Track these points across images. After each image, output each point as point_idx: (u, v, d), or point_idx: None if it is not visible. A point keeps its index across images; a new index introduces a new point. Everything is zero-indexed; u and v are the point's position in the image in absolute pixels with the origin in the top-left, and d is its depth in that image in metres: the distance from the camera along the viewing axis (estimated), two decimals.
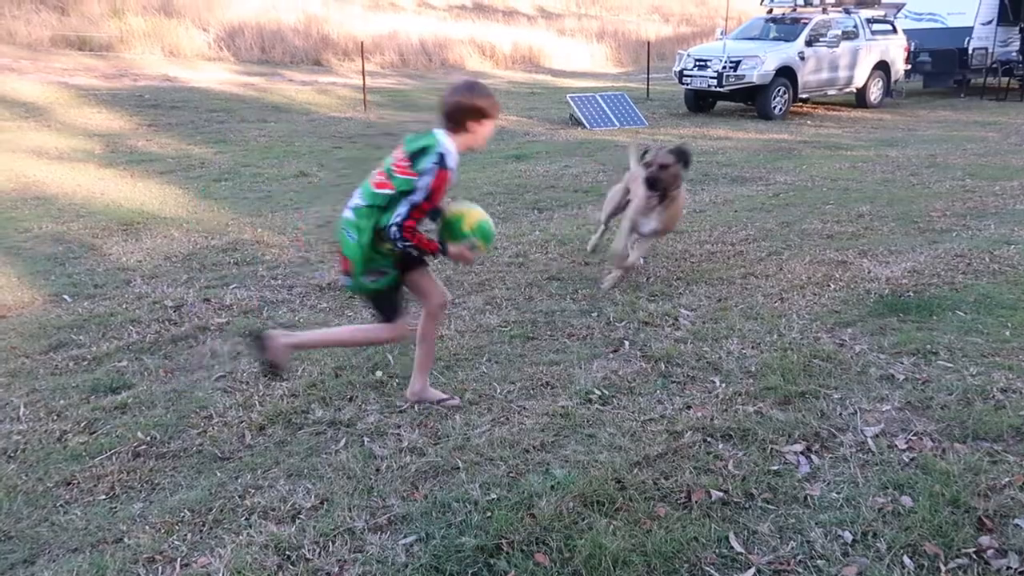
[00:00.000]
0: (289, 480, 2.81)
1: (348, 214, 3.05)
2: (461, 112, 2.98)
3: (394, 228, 2.87)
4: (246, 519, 2.59)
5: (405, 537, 2.47)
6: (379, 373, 3.66)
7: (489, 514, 2.56)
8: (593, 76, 22.18)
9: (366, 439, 3.08)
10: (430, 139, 2.95)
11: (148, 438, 3.12)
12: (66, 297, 4.80)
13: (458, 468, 2.84)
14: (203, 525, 2.56)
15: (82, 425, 3.24)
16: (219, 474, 2.86)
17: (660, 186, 4.65)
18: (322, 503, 2.66)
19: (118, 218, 6.61)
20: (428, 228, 3.03)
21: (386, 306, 3.16)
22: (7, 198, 7.44)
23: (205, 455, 3.00)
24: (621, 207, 5.28)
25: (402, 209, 2.87)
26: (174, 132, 11.61)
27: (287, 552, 2.40)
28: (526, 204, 7.30)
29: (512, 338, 4.06)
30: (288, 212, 7.04)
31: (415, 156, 2.94)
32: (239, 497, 2.71)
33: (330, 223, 6.53)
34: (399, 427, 3.17)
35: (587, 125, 12.67)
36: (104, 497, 2.75)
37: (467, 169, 8.83)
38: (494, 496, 2.65)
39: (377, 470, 2.86)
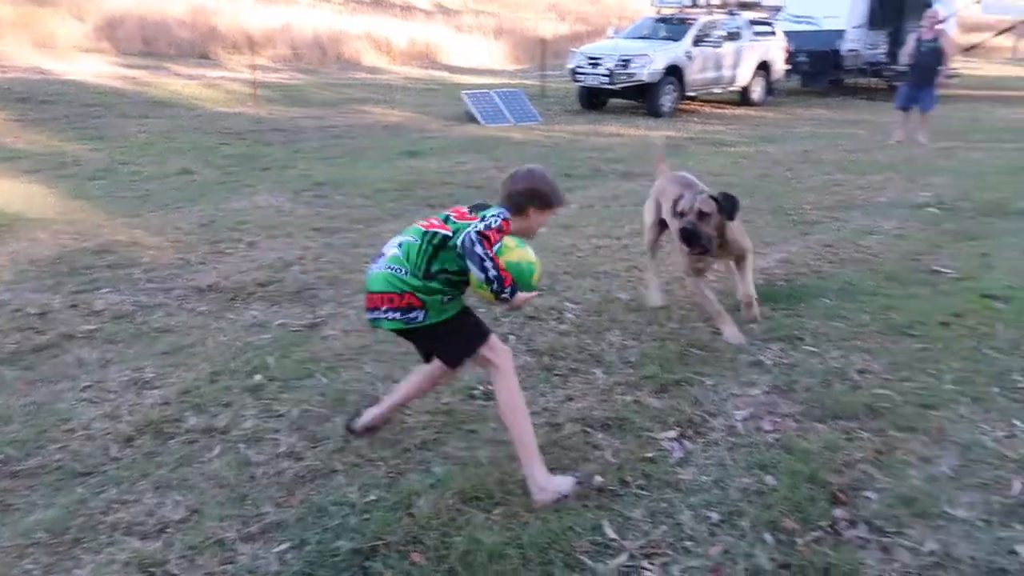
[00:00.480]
0: (157, 493, 2.69)
1: (391, 252, 2.63)
2: (527, 198, 2.67)
3: (473, 233, 2.44)
4: (108, 536, 2.46)
5: (279, 545, 2.41)
6: (258, 377, 3.55)
7: (367, 516, 2.53)
8: (490, 73, 22.24)
9: (242, 446, 2.99)
10: (492, 207, 2.63)
11: (1, 456, 2.92)
12: None
13: (336, 471, 2.80)
14: (60, 546, 2.42)
15: None
16: (80, 490, 2.71)
17: (700, 242, 3.80)
18: (191, 515, 2.57)
19: None
20: None
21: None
22: None
23: (65, 471, 2.84)
24: (659, 228, 4.54)
25: (472, 230, 2.46)
26: (44, 128, 10.91)
27: (151, 568, 2.31)
28: (418, 200, 7.25)
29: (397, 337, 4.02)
30: (169, 211, 6.74)
31: (476, 209, 2.66)
32: (101, 514, 2.57)
33: (213, 222, 6.31)
34: (277, 431, 3.09)
35: (482, 121, 12.70)
36: None
37: (360, 167, 8.72)
38: (373, 497, 2.63)
39: (252, 477, 2.78)
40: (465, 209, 2.68)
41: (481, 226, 2.47)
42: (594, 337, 4.00)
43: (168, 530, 2.49)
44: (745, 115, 14.82)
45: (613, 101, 15.16)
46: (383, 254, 2.66)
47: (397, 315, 2.59)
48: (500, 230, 2.50)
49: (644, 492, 2.70)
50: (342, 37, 22.37)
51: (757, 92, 16.20)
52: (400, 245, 2.62)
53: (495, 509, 2.56)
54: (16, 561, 2.35)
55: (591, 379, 3.55)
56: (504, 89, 14.30)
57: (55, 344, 3.97)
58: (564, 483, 2.63)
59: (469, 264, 2.45)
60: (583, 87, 14.79)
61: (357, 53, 22.16)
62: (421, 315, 2.58)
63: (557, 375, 3.60)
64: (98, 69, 16.28)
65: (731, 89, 15.78)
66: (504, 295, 2.49)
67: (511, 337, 4.00)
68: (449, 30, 25.92)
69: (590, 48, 15.09)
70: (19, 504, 2.65)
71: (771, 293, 4.63)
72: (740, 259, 4.09)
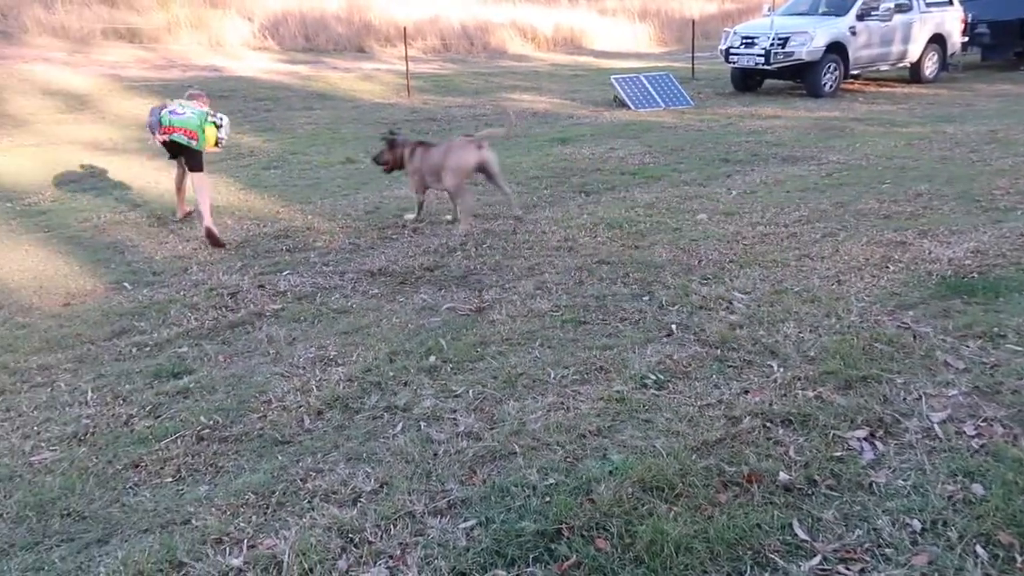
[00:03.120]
0: (349, 464, 2.85)
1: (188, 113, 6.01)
2: None
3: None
4: (308, 502, 2.63)
5: (465, 521, 2.49)
6: (432, 358, 3.68)
7: (548, 499, 2.55)
8: (636, 56, 21.89)
9: (423, 424, 3.11)
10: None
11: (211, 422, 3.19)
12: (126, 285, 4.93)
13: (515, 453, 2.85)
14: (267, 507, 2.61)
15: (147, 409, 3.32)
16: (280, 458, 2.91)
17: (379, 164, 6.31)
18: (382, 487, 2.69)
19: (173, 207, 6.74)
20: None
21: None
22: (67, 189, 7.65)
23: (266, 439, 3.06)
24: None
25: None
26: None
27: (350, 535, 2.44)
28: (572, 187, 7.25)
29: (564, 323, 4.05)
30: (337, 199, 7.11)
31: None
32: (300, 480, 2.75)
33: (379, 209, 6.59)
34: (455, 412, 3.19)
35: (632, 106, 12.52)
36: (171, 480, 2.82)
37: (512, 153, 8.82)
38: (552, 481, 2.65)
39: (435, 454, 2.88)
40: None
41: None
42: (768, 328, 3.85)
43: (362, 500, 2.63)
44: (916, 93, 13.75)
45: (769, 82, 14.51)
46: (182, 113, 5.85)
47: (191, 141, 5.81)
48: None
49: (834, 493, 2.57)
50: (488, 26, 22.73)
51: (930, 68, 14.98)
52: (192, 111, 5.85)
53: (678, 501, 2.52)
54: (231, 519, 2.56)
55: (767, 372, 3.42)
56: (653, 73, 14.02)
57: (247, 321, 4.29)
58: None
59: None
60: (736, 68, 14.24)
61: (503, 42, 22.46)
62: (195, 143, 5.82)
63: (731, 367, 3.49)
64: (265, 65, 17.40)
65: (900, 66, 14.68)
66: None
67: (678, 327, 3.92)
68: (593, 15, 25.74)
69: (744, 27, 14.48)
70: (228, 467, 2.89)
71: (963, 285, 4.27)
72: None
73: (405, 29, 16.40)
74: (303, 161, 8.95)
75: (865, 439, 2.87)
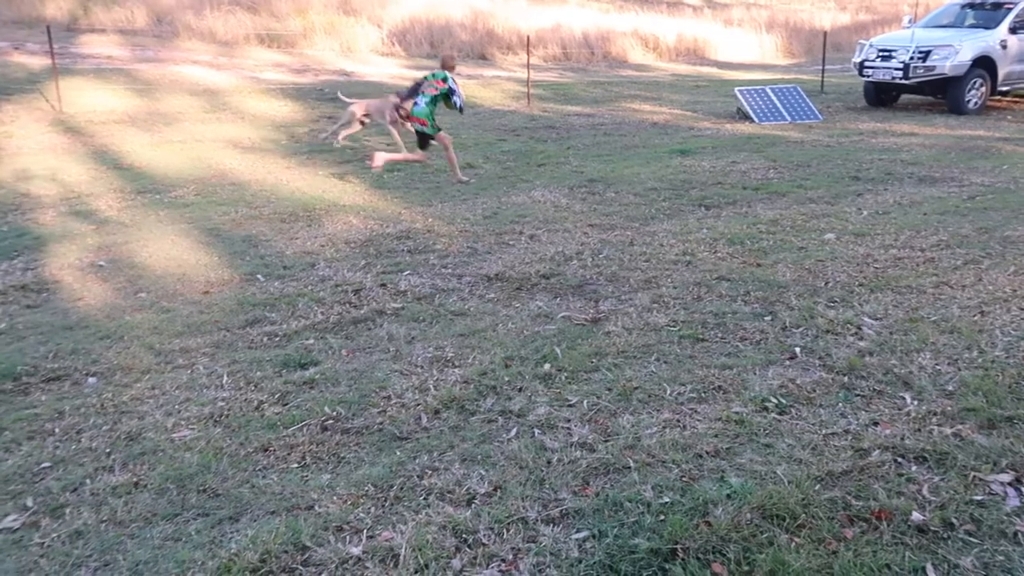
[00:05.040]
0: (464, 464, 2.90)
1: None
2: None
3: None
4: (424, 499, 2.70)
5: (578, 532, 2.48)
6: (547, 366, 3.69)
7: (662, 517, 2.52)
8: (762, 68, 21.27)
9: (536, 431, 3.12)
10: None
11: (334, 413, 3.32)
12: (259, 277, 5.21)
13: (629, 467, 2.82)
14: (385, 500, 2.70)
15: (276, 397, 3.50)
16: (398, 453, 3.00)
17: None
18: (496, 490, 2.73)
19: (302, 205, 7.08)
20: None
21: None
22: (209, 184, 8.17)
23: (385, 433, 3.16)
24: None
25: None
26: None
27: (464, 535, 2.48)
28: (692, 200, 7.12)
29: (681, 338, 3.98)
30: (456, 203, 7.26)
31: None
32: (417, 477, 2.83)
33: (496, 214, 6.70)
34: (568, 421, 3.19)
35: (756, 119, 12.17)
36: (296, 465, 2.95)
37: (631, 164, 8.75)
38: (667, 500, 2.61)
39: (548, 462, 2.89)
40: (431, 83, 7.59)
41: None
42: (900, 358, 3.64)
43: (476, 501, 2.67)
44: None
45: (905, 97, 13.76)
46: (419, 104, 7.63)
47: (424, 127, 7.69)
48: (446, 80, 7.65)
49: (974, 539, 2.40)
50: (610, 35, 22.67)
51: None
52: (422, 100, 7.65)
53: (799, 532, 2.43)
54: (351, 508, 2.66)
55: (900, 404, 3.24)
56: (780, 85, 13.57)
57: (369, 318, 4.44)
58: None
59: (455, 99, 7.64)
60: (870, 82, 13.58)
61: (624, 51, 22.33)
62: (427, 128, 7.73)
63: (859, 395, 3.33)
64: (392, 71, 18.01)
65: None
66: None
67: (803, 350, 3.78)
68: (717, 24, 25.21)
69: (881, 39, 13.79)
70: (349, 458, 3.00)
71: None
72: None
73: (528, 38, 16.59)
74: (424, 165, 9.18)
75: (1010, 484, 2.67)
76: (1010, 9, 12.92)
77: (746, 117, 12.31)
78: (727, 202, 7.04)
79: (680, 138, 10.74)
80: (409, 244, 5.90)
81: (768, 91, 13.00)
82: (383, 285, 4.96)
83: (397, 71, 18.03)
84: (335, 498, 2.72)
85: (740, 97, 12.73)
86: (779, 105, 12.58)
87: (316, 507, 2.67)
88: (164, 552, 2.47)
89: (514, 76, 17.50)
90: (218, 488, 2.81)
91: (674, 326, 4.13)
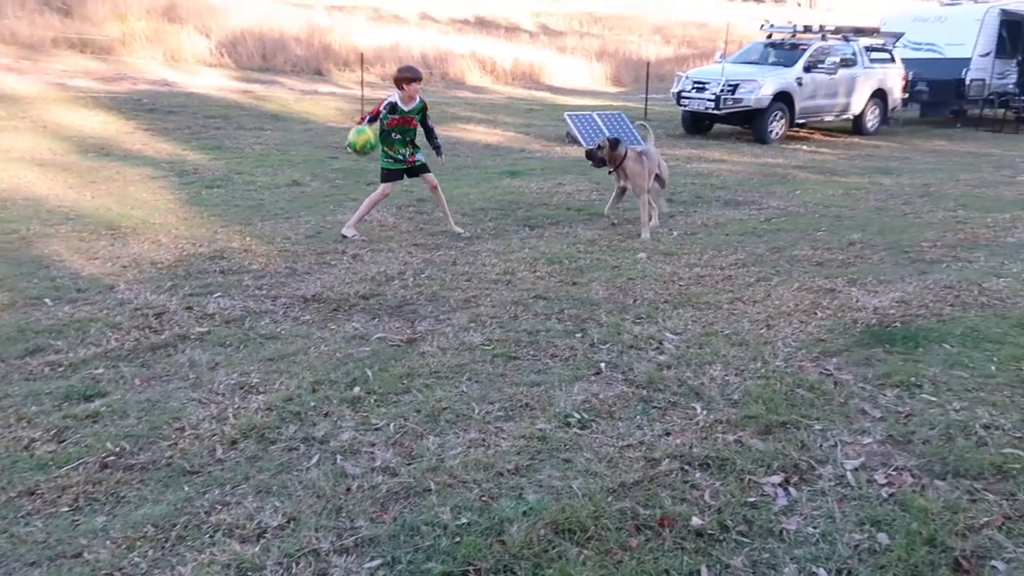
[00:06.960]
0: (258, 497, 2.76)
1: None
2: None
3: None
4: (210, 537, 2.53)
5: (371, 560, 2.42)
6: (357, 389, 3.61)
7: (458, 539, 2.51)
8: (592, 94, 22.26)
9: (339, 457, 3.03)
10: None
11: (117, 449, 3.06)
12: (47, 301, 4.76)
13: (430, 490, 2.79)
14: (166, 541, 2.51)
15: (51, 433, 3.18)
16: (187, 488, 2.81)
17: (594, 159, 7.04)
18: (289, 522, 2.61)
19: (107, 222, 6.56)
20: None
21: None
22: None
23: (174, 468, 2.95)
24: None
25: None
26: (169, 137, 11.58)
27: (248, 573, 2.35)
28: (517, 221, 7.28)
29: (494, 357, 4.02)
30: (279, 221, 7.01)
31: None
32: (205, 513, 2.65)
33: (320, 234, 6.52)
34: (373, 445, 3.12)
35: (584, 143, 12.66)
36: (67, 509, 2.69)
37: (460, 184, 8.83)
38: (464, 520, 2.61)
39: (348, 489, 2.81)
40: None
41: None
42: (695, 370, 3.88)
43: (266, 535, 2.54)
44: (858, 144, 14.24)
45: (718, 126, 14.87)
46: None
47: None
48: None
49: (745, 539, 2.57)
50: (448, 56, 22.90)
51: (871, 121, 15.57)
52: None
53: (588, 544, 2.50)
54: (125, 552, 2.45)
55: (691, 414, 3.44)
56: (606, 111, 14.25)
57: (170, 344, 4.16)
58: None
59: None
60: (687, 111, 14.58)
61: (462, 72, 22.63)
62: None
63: (655, 407, 3.50)
64: (219, 83, 17.21)
65: (843, 117, 15.22)
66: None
67: (608, 365, 3.93)
68: (552, 51, 26.15)
69: (696, 72, 14.87)
70: (130, 496, 2.77)
71: (886, 334, 4.38)
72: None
73: (363, 55, 16.42)
74: (248, 181, 8.82)
75: (780, 485, 2.89)
76: (805, 50, 14.34)
77: (575, 141, 12.80)
78: (550, 222, 7.26)
79: (511, 160, 10.99)
80: (223, 264, 5.61)
81: (595, 116, 13.60)
82: (189, 308, 4.67)
83: (226, 83, 17.26)
84: (108, 543, 2.49)
85: (569, 122, 13.23)
86: (605, 130, 13.17)
87: (85, 554, 2.44)
88: None
89: (349, 93, 17.25)
90: None
91: (488, 345, 4.17)
